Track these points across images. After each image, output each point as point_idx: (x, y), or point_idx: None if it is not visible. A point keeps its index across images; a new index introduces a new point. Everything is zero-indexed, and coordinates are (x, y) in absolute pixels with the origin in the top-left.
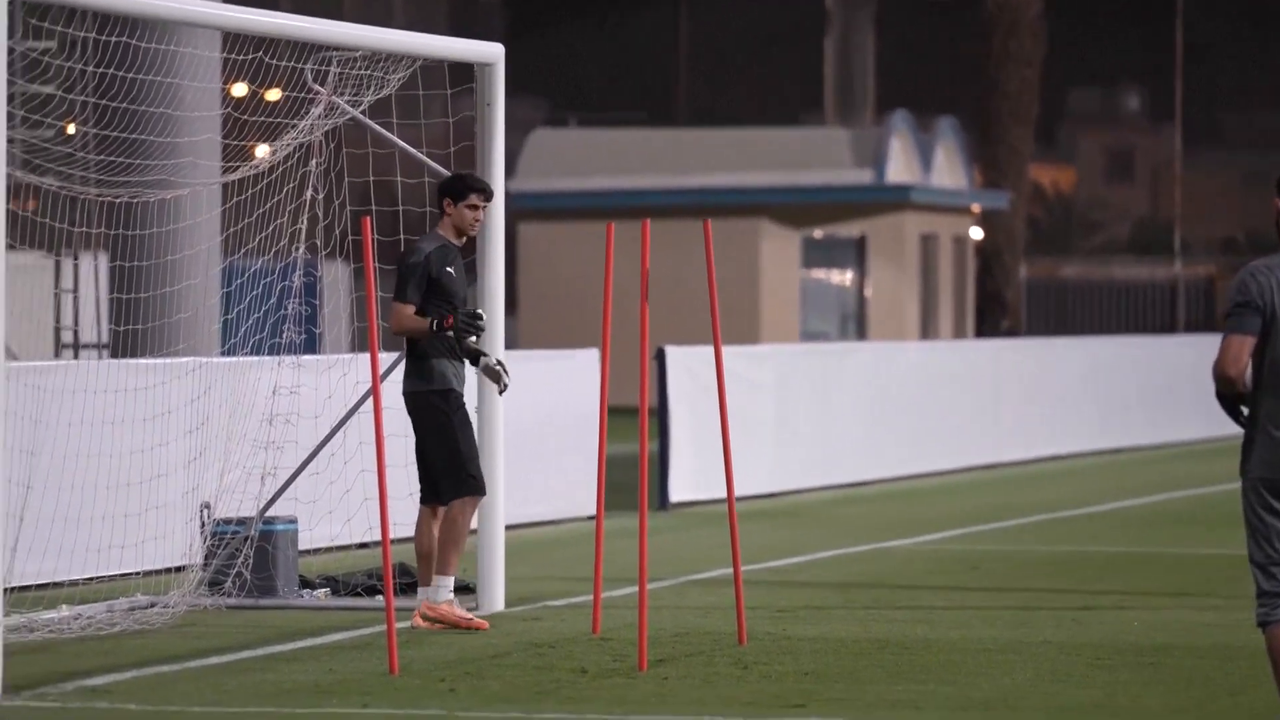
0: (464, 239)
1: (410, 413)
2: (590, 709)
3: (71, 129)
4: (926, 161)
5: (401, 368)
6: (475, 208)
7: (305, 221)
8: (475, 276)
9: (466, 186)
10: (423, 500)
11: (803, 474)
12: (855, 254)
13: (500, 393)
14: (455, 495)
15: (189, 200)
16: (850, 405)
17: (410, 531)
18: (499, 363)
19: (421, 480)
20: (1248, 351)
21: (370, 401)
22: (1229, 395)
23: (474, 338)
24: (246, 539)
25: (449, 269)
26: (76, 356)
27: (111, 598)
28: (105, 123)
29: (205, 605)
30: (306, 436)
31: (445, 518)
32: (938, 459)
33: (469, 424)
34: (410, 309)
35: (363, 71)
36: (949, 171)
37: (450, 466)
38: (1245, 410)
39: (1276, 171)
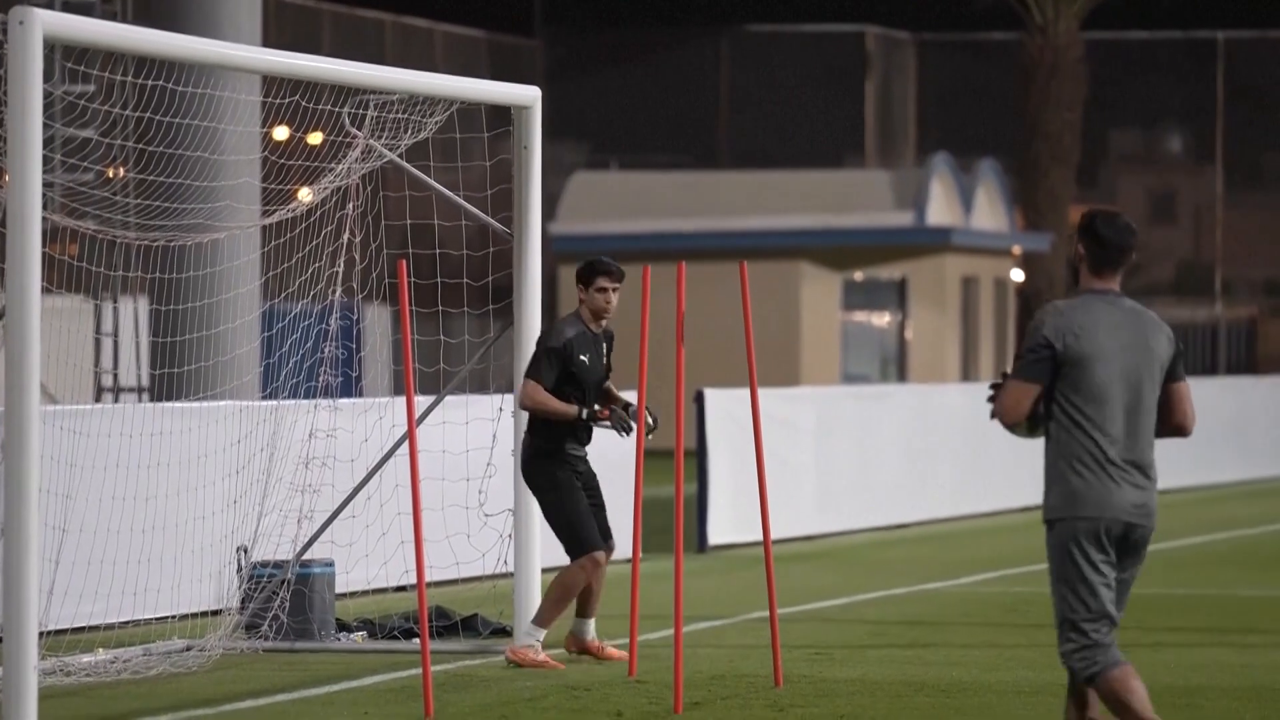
0: (602, 322)
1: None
2: None
3: (111, 173)
4: (967, 204)
5: (434, 415)
6: (604, 290)
7: (343, 265)
8: (512, 319)
9: (594, 271)
10: None
11: (842, 516)
12: (896, 296)
13: (622, 435)
14: (570, 556)
15: (227, 244)
16: (890, 447)
17: (445, 574)
18: (625, 409)
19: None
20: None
21: (406, 445)
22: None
23: (624, 434)
24: (283, 582)
25: (582, 357)
26: (116, 400)
27: (148, 641)
28: (144, 166)
29: (242, 648)
30: (343, 480)
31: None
32: (977, 501)
33: (575, 486)
34: (541, 387)
35: (400, 115)
36: (990, 214)
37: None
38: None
39: None
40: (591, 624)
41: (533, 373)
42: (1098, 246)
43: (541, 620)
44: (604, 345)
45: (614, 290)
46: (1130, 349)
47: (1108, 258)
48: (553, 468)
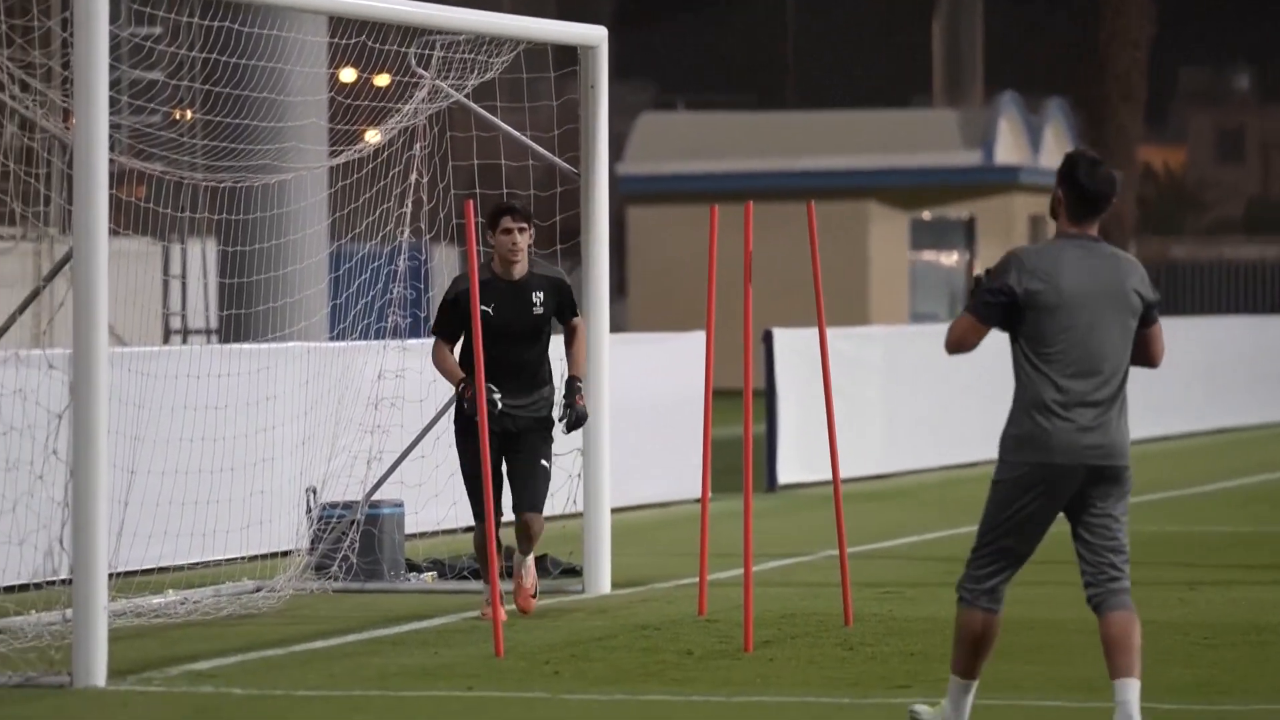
0: (515, 267)
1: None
2: (696, 690)
3: (178, 115)
4: (1035, 142)
5: None
6: (509, 231)
7: (410, 205)
8: (580, 259)
9: (497, 212)
10: None
11: (911, 455)
12: (964, 235)
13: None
14: None
15: (295, 185)
16: (958, 386)
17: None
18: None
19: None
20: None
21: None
22: None
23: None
24: (353, 523)
25: (484, 307)
26: (185, 341)
27: (218, 582)
28: (211, 108)
29: (311, 589)
30: (412, 420)
31: None
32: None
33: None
34: (442, 342)
35: (466, 55)
36: (1058, 152)
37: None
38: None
39: None
40: (527, 560)
41: (434, 326)
42: (1077, 194)
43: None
44: (535, 295)
45: (520, 231)
46: (1100, 294)
47: (1086, 206)
48: (458, 428)
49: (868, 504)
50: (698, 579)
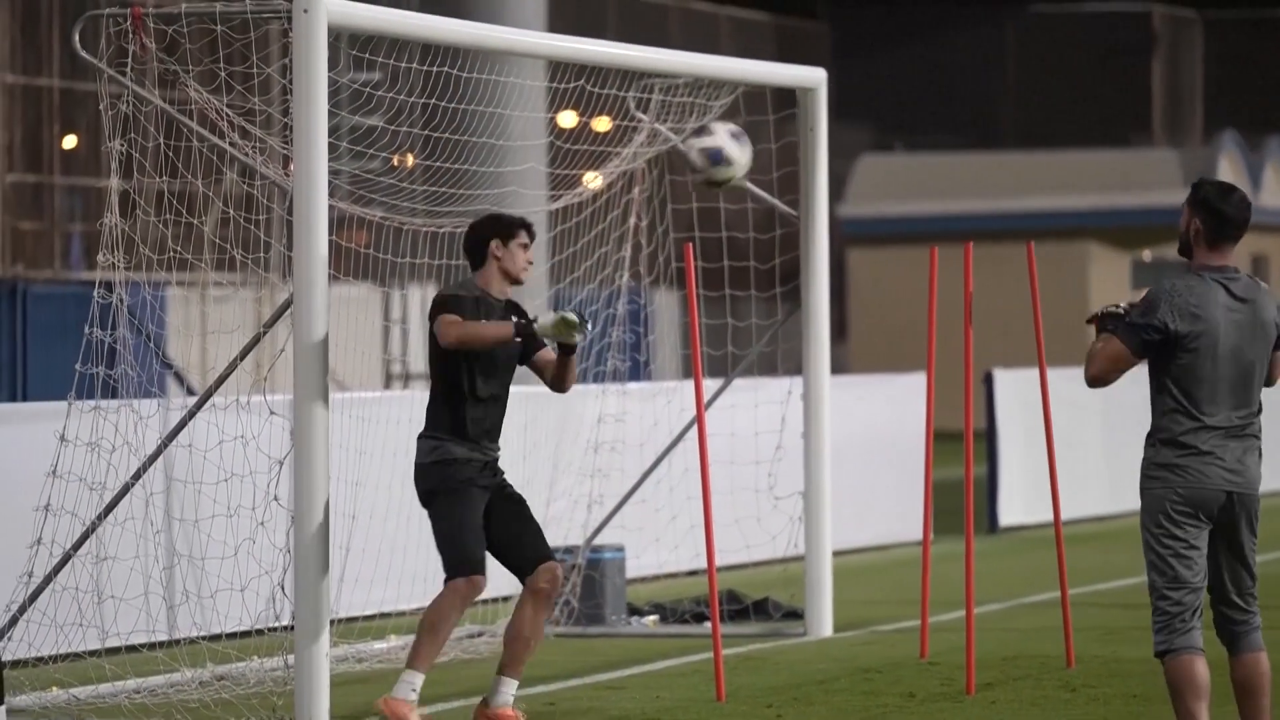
0: (509, 289)
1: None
2: None
3: (398, 161)
4: (1256, 181)
5: (723, 398)
6: (527, 247)
7: (629, 249)
8: (799, 302)
9: (510, 222)
10: None
11: (1132, 496)
12: None
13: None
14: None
15: None
16: None
17: (735, 558)
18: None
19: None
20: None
21: (695, 428)
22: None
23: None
24: (574, 567)
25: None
26: (406, 386)
27: None
28: (431, 153)
29: None
30: (632, 464)
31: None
32: (1267, 479)
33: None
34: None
35: (685, 98)
36: (1279, 191)
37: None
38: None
39: None
40: (510, 686)
41: (444, 309)
42: (1217, 221)
43: (413, 660)
44: (511, 318)
45: (530, 249)
46: (1241, 326)
47: (1227, 232)
48: (449, 470)
49: (1087, 545)
50: (919, 621)
